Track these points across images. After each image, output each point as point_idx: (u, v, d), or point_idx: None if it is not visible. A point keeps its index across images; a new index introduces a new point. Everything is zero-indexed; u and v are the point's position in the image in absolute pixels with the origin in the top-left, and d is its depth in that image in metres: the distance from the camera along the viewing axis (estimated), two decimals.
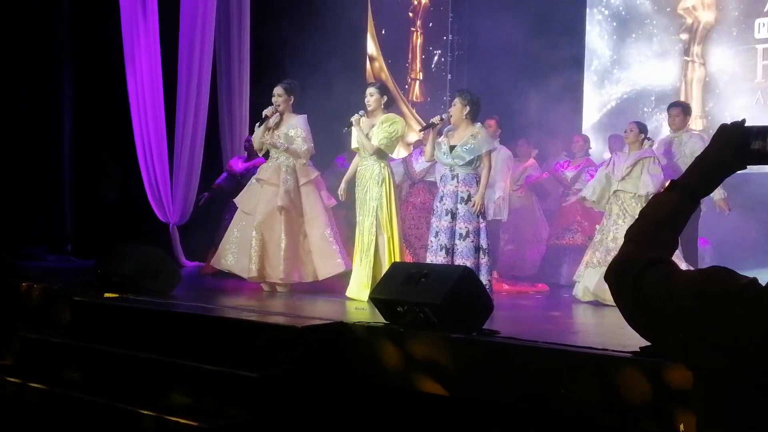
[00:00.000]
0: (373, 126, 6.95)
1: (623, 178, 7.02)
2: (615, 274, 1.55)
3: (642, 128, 7.28)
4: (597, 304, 6.80)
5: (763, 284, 1.36)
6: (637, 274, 1.48)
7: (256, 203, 7.18)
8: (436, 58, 13.09)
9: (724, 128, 1.56)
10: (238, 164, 9.57)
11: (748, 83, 9.92)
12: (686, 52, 10.58)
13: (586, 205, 8.93)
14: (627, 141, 7.27)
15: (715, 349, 1.35)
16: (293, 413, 4.63)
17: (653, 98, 10.72)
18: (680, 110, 7.70)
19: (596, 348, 4.16)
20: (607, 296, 6.57)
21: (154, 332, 5.55)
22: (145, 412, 4.63)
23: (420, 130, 7.92)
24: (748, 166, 1.55)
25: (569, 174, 9.08)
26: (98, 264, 6.76)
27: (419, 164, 8.56)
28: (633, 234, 1.59)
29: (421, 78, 13.08)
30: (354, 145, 7.14)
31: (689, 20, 10.56)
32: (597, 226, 7.47)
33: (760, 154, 1.50)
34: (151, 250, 6.75)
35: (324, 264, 7.07)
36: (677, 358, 1.47)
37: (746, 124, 1.54)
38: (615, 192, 7.12)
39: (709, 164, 1.58)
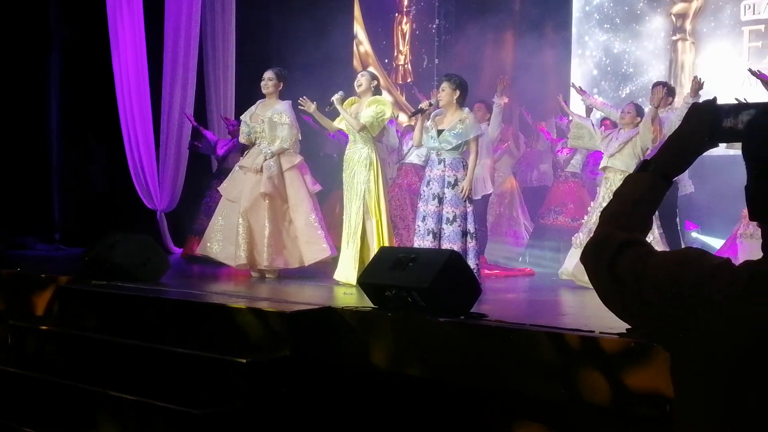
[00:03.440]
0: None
1: (613, 155, 7.03)
2: (590, 256, 1.55)
3: (639, 111, 7.26)
4: (575, 285, 6.83)
5: (737, 265, 1.37)
6: (613, 256, 1.49)
7: (241, 191, 7.18)
8: (423, 42, 13.06)
9: (696, 107, 1.57)
10: (221, 148, 9.54)
11: (735, 65, 9.94)
12: (674, 34, 10.61)
13: (576, 187, 8.97)
14: (623, 122, 7.24)
15: (690, 330, 1.36)
16: (283, 399, 4.64)
17: (637, 78, 10.77)
18: (663, 89, 7.67)
19: (583, 330, 4.18)
20: (584, 277, 6.59)
21: (142, 319, 5.54)
22: (135, 399, 4.64)
23: (410, 116, 7.94)
24: (720, 145, 1.57)
25: (562, 157, 9.09)
26: (87, 252, 6.74)
27: (406, 147, 8.62)
28: (607, 215, 1.59)
29: (409, 62, 13.06)
30: (338, 125, 7.14)
31: (677, 3, 10.59)
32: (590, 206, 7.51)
33: (732, 132, 1.51)
34: (140, 237, 6.73)
35: (309, 249, 7.07)
36: (654, 338, 1.48)
37: (718, 102, 1.55)
38: (604, 169, 7.13)
39: (681, 143, 1.58)
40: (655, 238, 6.68)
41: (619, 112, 7.63)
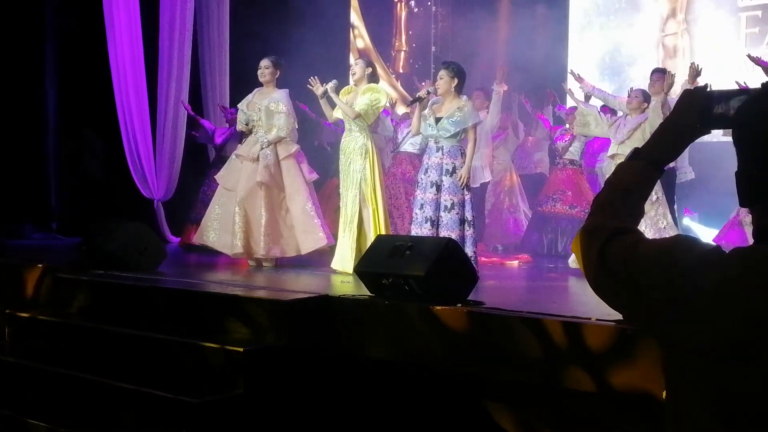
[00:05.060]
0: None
1: (623, 141, 7.01)
2: (582, 244, 1.55)
3: (646, 97, 7.25)
4: (573, 272, 6.84)
5: (727, 252, 1.36)
6: (604, 244, 1.48)
7: (237, 179, 7.17)
8: (420, 30, 13.02)
9: (687, 93, 1.56)
10: (219, 137, 9.52)
11: (732, 52, 9.93)
12: (672, 21, 10.58)
13: (574, 175, 8.96)
14: (630, 107, 7.23)
15: (680, 318, 1.35)
16: (280, 387, 4.64)
17: (634, 65, 10.75)
18: (661, 75, 7.65)
19: (581, 317, 4.18)
20: None
21: (139, 308, 5.54)
22: (132, 388, 4.63)
23: (408, 105, 7.93)
24: (712, 131, 1.56)
25: (560, 144, 9.08)
26: (84, 241, 6.73)
27: (401, 136, 8.62)
28: (599, 203, 1.59)
29: (406, 50, 13.02)
30: (337, 114, 7.13)
31: None
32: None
33: (723, 118, 1.50)
34: (137, 226, 6.73)
35: (306, 238, 7.07)
36: (643, 327, 1.47)
37: (709, 89, 1.54)
38: (613, 156, 7.11)
39: (672, 130, 1.57)
40: (668, 223, 6.69)
41: (617, 99, 7.60)
